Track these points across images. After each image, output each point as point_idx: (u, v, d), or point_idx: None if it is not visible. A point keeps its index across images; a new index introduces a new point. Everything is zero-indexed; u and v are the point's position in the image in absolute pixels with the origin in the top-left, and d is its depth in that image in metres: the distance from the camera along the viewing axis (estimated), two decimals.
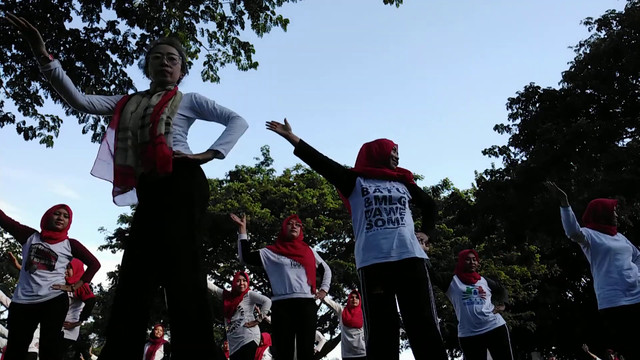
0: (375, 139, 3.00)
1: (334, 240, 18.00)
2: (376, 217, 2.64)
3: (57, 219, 3.81)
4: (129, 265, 1.97)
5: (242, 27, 6.59)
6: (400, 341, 6.14)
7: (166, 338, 7.82)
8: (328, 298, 6.21)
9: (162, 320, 16.58)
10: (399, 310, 2.58)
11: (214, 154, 2.13)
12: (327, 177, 2.90)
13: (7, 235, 23.18)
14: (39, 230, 3.82)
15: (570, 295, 21.08)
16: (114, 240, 17.90)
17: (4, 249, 22.84)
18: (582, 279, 20.37)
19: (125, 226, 17.52)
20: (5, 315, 23.35)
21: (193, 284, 1.89)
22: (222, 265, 16.47)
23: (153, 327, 7.58)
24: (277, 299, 4.11)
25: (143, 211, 2.05)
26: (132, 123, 2.12)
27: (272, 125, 2.72)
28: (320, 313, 19.83)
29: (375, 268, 2.56)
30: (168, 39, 2.40)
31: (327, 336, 19.17)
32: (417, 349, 2.42)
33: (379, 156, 2.85)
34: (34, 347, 5.38)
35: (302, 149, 2.72)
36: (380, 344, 2.45)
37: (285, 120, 2.73)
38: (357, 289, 5.65)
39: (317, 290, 4.34)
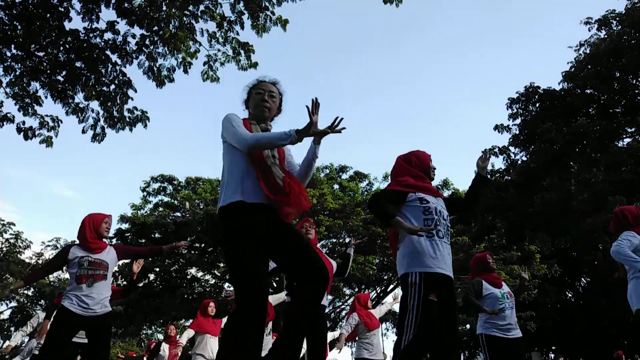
0: (409, 151, 3.08)
1: (334, 240, 17.99)
2: (437, 227, 2.74)
3: (106, 228, 3.87)
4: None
5: (242, 27, 6.59)
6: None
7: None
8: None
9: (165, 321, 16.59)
10: None
11: None
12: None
13: (7, 236, 23.16)
14: (77, 241, 3.82)
15: (570, 295, 21.08)
16: (114, 241, 17.88)
17: (4, 249, 22.82)
18: (582, 279, 20.37)
19: (125, 226, 17.51)
20: (5, 316, 23.36)
21: None
22: (222, 265, 16.45)
23: (165, 328, 7.62)
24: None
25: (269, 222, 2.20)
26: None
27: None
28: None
29: (436, 276, 2.63)
30: (272, 79, 2.51)
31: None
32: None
33: (419, 168, 2.93)
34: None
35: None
36: (420, 348, 2.51)
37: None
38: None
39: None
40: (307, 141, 2.48)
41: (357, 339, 5.94)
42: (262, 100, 2.40)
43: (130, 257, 4.12)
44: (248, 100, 2.48)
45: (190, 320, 6.78)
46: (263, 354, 5.04)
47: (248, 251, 2.06)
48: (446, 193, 20.09)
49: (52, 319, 3.65)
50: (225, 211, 2.17)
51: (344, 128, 2.20)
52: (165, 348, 7.04)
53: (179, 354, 6.94)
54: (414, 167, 2.96)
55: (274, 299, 5.57)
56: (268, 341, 5.25)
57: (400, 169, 3.01)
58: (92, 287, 3.62)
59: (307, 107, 2.18)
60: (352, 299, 6.88)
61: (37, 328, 5.68)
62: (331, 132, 2.19)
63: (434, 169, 3.00)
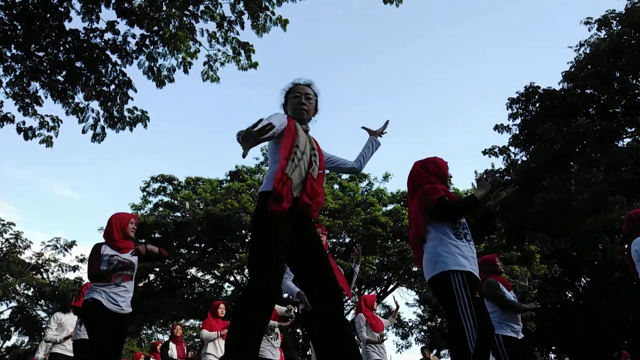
0: (427, 157, 3.11)
1: (334, 240, 17.99)
2: (464, 230, 2.83)
3: (132, 228, 3.92)
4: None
5: (242, 27, 6.59)
6: (400, 341, 6.21)
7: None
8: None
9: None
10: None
11: None
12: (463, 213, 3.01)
13: (7, 236, 23.15)
14: (104, 240, 3.86)
15: (570, 295, 21.07)
16: None
17: (4, 249, 22.81)
18: (582, 279, 20.37)
19: None
20: (5, 316, 23.36)
21: None
22: (222, 265, 16.46)
23: (171, 327, 7.65)
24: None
25: (289, 226, 2.24)
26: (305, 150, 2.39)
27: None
28: None
29: (473, 276, 2.70)
30: (306, 81, 2.63)
31: None
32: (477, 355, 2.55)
33: (437, 176, 2.97)
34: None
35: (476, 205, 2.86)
36: (484, 347, 2.59)
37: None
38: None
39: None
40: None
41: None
42: (300, 103, 2.52)
43: (151, 259, 4.15)
44: (286, 104, 2.61)
45: (191, 321, 6.86)
46: (270, 356, 5.04)
47: (275, 242, 2.12)
48: None
49: (87, 317, 3.63)
50: (260, 197, 2.29)
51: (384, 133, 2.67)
52: (173, 347, 7.11)
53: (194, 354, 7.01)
54: (431, 175, 2.98)
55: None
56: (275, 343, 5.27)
57: (418, 176, 3.02)
58: (120, 286, 3.71)
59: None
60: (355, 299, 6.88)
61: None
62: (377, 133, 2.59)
63: (451, 177, 3.03)
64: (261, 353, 5.06)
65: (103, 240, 3.86)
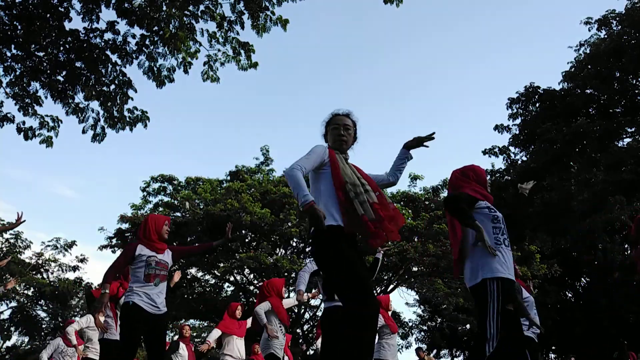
0: (465, 165, 3.20)
1: None
2: (503, 236, 2.86)
3: (166, 230, 3.98)
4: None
5: (242, 27, 6.58)
6: (400, 341, 6.27)
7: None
8: None
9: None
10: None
11: None
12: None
13: (7, 235, 23.15)
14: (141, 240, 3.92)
15: (570, 295, 21.06)
16: (114, 240, 17.89)
17: (4, 249, 22.81)
18: (582, 279, 20.37)
19: (125, 226, 17.51)
20: (5, 316, 23.35)
21: None
22: (222, 265, 16.45)
23: (179, 327, 7.67)
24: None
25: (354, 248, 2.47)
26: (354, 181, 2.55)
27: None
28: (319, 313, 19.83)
29: (510, 283, 2.72)
30: (345, 111, 2.78)
31: None
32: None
33: (476, 182, 3.03)
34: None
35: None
36: (508, 353, 2.57)
37: None
38: None
39: None
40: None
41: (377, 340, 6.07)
42: (339, 134, 2.67)
43: (183, 257, 4.22)
44: (326, 135, 2.76)
45: (191, 320, 6.93)
46: (281, 354, 5.09)
47: (351, 263, 2.31)
48: (446, 193, 20.06)
49: (126, 320, 3.68)
50: (317, 234, 2.42)
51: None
52: (183, 347, 7.17)
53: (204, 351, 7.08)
54: (471, 181, 3.05)
55: (286, 302, 5.74)
56: (284, 342, 5.36)
57: (458, 182, 3.09)
58: (158, 287, 3.77)
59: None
60: None
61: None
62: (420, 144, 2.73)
63: (490, 184, 3.10)
64: (275, 351, 5.13)
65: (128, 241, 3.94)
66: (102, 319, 5.08)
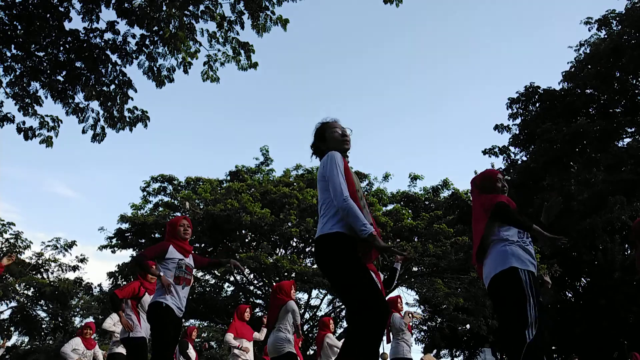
0: (479, 173, 3.30)
1: None
2: (528, 238, 2.97)
3: (183, 230, 3.97)
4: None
5: (242, 27, 6.57)
6: (415, 345, 6.38)
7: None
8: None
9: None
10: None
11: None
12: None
13: (7, 235, 23.15)
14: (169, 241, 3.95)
15: (570, 295, 21.06)
16: (114, 240, 17.88)
17: (4, 249, 22.80)
18: (582, 279, 20.36)
19: (125, 226, 17.50)
20: (5, 316, 23.34)
21: None
22: None
23: (186, 329, 7.70)
24: None
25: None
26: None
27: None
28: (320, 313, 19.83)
29: (537, 279, 2.83)
30: (336, 119, 2.83)
31: None
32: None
33: (485, 188, 3.11)
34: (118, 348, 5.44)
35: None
36: (540, 348, 2.60)
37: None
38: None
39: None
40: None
41: (391, 338, 6.19)
42: (345, 135, 2.72)
43: (197, 267, 4.22)
44: (321, 142, 2.74)
45: (191, 320, 7.02)
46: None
47: (363, 270, 2.36)
48: (446, 193, 20.09)
49: (158, 320, 3.70)
50: (327, 239, 2.45)
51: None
52: (191, 348, 7.25)
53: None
54: (484, 185, 3.14)
55: None
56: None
57: (487, 182, 3.17)
58: (184, 290, 3.83)
59: (396, 250, 2.49)
60: None
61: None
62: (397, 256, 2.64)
63: (505, 186, 3.12)
64: (289, 349, 5.13)
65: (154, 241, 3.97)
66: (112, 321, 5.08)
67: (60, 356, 6.68)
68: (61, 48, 6.23)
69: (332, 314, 19.85)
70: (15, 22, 5.93)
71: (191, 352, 7.24)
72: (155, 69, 6.58)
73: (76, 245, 23.90)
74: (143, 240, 17.25)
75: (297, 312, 5.20)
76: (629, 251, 17.50)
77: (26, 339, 24.97)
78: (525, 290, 2.72)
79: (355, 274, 2.36)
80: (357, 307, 2.31)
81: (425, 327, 25.71)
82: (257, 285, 18.66)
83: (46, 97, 6.53)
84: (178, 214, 17.42)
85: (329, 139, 2.71)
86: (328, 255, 2.45)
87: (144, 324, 4.87)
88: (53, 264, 23.66)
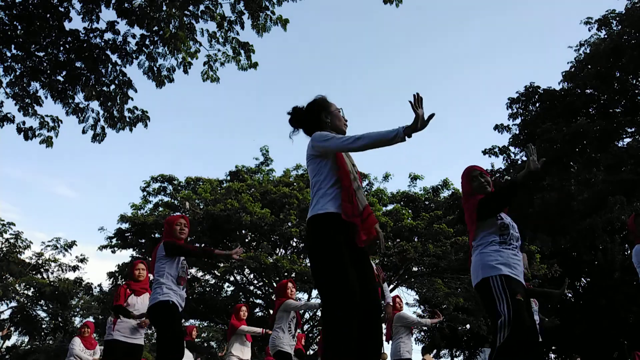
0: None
1: None
2: (510, 241, 2.89)
3: (180, 230, 3.95)
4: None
5: (242, 27, 6.57)
6: (415, 345, 6.42)
7: None
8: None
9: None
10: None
11: None
12: (495, 207, 3.00)
13: (7, 236, 23.14)
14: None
15: (570, 295, 21.06)
16: (114, 240, 17.89)
17: (4, 249, 22.80)
18: (582, 279, 20.36)
19: (125, 226, 17.50)
20: (5, 315, 23.34)
21: None
22: (222, 265, 16.45)
23: (185, 329, 7.73)
24: None
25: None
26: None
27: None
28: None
29: (515, 281, 2.76)
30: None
31: None
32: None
33: (472, 187, 3.06)
34: None
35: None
36: (516, 347, 2.54)
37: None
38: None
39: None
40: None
41: (392, 338, 6.22)
42: (343, 117, 2.61)
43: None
44: (319, 122, 2.57)
45: (191, 320, 7.08)
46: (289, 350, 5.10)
47: (338, 257, 2.20)
48: (446, 193, 20.10)
49: (166, 317, 3.68)
50: (315, 220, 2.33)
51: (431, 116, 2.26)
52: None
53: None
54: (467, 187, 3.11)
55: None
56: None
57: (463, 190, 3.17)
58: (183, 291, 3.85)
59: (410, 102, 2.20)
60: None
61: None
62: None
63: (482, 180, 3.05)
64: (280, 348, 5.16)
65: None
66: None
67: (63, 356, 6.73)
68: (61, 48, 6.23)
69: None
70: (15, 22, 5.93)
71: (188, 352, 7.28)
72: (155, 69, 6.58)
73: (76, 245, 23.92)
74: (143, 240, 17.24)
75: (293, 306, 5.28)
76: (629, 251, 17.50)
77: (26, 339, 24.97)
78: (495, 294, 2.69)
79: (329, 260, 2.21)
80: (323, 297, 2.19)
81: (425, 327, 25.70)
82: (257, 285, 18.66)
83: (46, 97, 6.53)
84: (178, 214, 17.43)
85: (332, 116, 2.58)
86: (310, 238, 2.33)
87: (120, 325, 4.83)
88: (53, 264, 23.67)
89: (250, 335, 6.38)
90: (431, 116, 2.20)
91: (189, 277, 3.93)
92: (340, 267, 2.17)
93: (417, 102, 2.19)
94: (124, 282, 5.17)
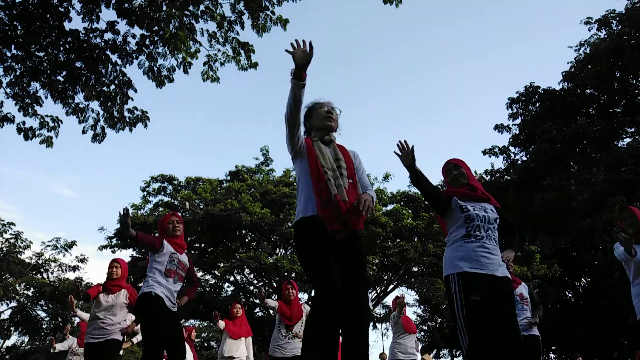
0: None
1: None
2: (476, 232, 2.76)
3: (172, 227, 3.95)
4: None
5: (242, 27, 6.57)
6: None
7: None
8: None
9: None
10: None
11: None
12: (431, 204, 3.00)
13: (7, 236, 23.14)
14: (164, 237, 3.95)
15: (570, 295, 21.06)
16: (114, 240, 17.89)
17: (4, 249, 22.79)
18: (582, 279, 20.36)
19: None
20: (5, 315, 23.34)
21: None
22: (222, 265, 16.45)
23: (185, 329, 7.75)
24: None
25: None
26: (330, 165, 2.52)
27: (403, 149, 2.86)
28: None
29: (473, 276, 2.63)
30: (328, 100, 2.78)
31: None
32: None
33: (449, 181, 3.04)
34: None
35: (418, 178, 2.91)
36: (480, 350, 2.48)
37: (412, 149, 2.86)
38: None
39: None
40: None
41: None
42: (326, 112, 2.68)
43: (186, 275, 4.12)
44: (309, 118, 2.72)
45: (191, 320, 7.14)
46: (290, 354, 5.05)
47: (317, 256, 2.29)
48: None
49: (145, 309, 3.64)
50: (294, 228, 2.47)
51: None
52: (187, 348, 7.31)
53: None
54: (446, 182, 3.08)
55: None
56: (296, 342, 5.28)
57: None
58: (175, 285, 3.79)
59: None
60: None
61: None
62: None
63: (457, 174, 2.98)
64: (271, 348, 5.16)
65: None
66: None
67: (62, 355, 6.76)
68: (61, 48, 6.23)
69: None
70: (15, 22, 5.93)
71: (189, 352, 7.29)
72: (155, 69, 6.58)
73: (76, 245, 23.89)
74: (156, 234, 17.25)
75: (269, 306, 5.41)
76: None
77: (26, 339, 24.96)
78: (453, 294, 2.61)
79: (309, 261, 2.33)
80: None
81: (425, 327, 25.71)
82: (257, 285, 18.65)
83: (46, 97, 6.53)
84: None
85: (314, 116, 2.70)
86: (296, 246, 2.51)
87: (88, 329, 4.81)
88: (53, 264, 23.65)
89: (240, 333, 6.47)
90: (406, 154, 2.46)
91: (182, 272, 3.87)
92: (321, 265, 2.25)
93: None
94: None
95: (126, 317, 4.91)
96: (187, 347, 7.31)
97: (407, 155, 2.82)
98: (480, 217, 2.79)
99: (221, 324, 6.40)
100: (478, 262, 2.66)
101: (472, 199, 2.90)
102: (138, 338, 6.37)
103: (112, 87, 6.58)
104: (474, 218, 2.77)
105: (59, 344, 7.32)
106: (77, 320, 6.52)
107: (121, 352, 5.81)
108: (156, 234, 4.05)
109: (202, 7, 6.39)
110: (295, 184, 17.39)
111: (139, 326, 4.97)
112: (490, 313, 2.55)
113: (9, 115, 6.52)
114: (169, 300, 3.70)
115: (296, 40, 2.40)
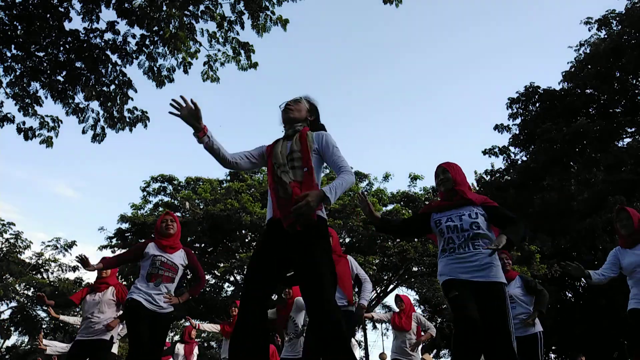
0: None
1: None
2: (451, 245, 2.82)
3: (165, 226, 3.94)
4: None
5: (242, 27, 6.58)
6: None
7: None
8: (378, 312, 6.59)
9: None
10: None
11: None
12: (410, 237, 3.14)
13: (7, 236, 23.14)
14: (153, 238, 3.97)
15: (570, 295, 21.05)
16: (114, 240, 17.89)
17: (4, 249, 22.80)
18: (582, 279, 20.33)
19: (125, 226, 17.51)
20: (5, 315, 23.34)
21: None
22: (222, 265, 16.45)
23: (184, 329, 7.75)
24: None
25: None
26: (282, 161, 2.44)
27: (362, 201, 3.04)
28: None
29: (449, 282, 2.81)
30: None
31: None
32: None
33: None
34: None
35: (383, 226, 3.11)
36: (465, 340, 2.55)
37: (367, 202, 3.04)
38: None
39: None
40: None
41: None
42: (285, 105, 2.62)
43: (190, 270, 4.12)
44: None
45: (191, 320, 7.11)
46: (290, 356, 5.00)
47: (251, 260, 2.31)
48: None
49: (126, 314, 3.71)
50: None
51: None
52: (180, 347, 7.28)
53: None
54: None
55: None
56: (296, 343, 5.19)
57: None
58: (158, 287, 3.74)
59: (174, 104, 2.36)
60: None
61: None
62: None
63: (442, 179, 2.99)
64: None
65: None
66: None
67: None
68: (61, 48, 6.24)
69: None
70: (15, 22, 5.93)
71: (178, 350, 7.29)
72: (155, 69, 6.58)
73: (76, 245, 23.92)
74: (143, 240, 17.27)
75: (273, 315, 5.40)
76: None
77: (26, 339, 24.97)
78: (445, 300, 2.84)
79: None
80: None
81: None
82: None
83: (46, 97, 6.54)
84: (178, 214, 17.44)
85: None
86: None
87: (80, 327, 4.83)
88: (53, 264, 23.66)
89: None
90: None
91: (168, 273, 3.84)
92: (249, 265, 2.29)
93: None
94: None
95: (115, 314, 4.87)
96: (180, 345, 7.30)
97: (364, 208, 3.00)
98: (452, 227, 2.82)
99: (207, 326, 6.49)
100: (455, 272, 2.77)
101: (450, 208, 2.91)
102: None
103: (112, 87, 6.59)
104: (444, 231, 2.85)
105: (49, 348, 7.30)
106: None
107: (116, 351, 5.83)
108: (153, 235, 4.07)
109: (202, 7, 6.40)
110: None
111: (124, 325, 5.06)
112: (472, 299, 2.65)
113: (9, 115, 6.52)
114: (150, 303, 3.66)
115: (181, 97, 2.32)
